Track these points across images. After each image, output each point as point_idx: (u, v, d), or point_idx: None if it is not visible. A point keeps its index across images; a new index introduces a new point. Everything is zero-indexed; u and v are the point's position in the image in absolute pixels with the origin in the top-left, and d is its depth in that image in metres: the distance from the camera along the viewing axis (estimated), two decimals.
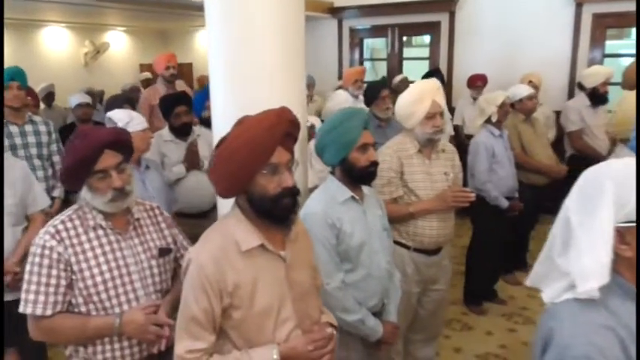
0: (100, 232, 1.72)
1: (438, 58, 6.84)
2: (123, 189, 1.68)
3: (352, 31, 7.50)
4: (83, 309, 1.68)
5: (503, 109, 3.81)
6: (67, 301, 1.66)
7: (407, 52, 7.52)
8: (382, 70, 7.82)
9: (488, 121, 3.84)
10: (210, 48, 2.20)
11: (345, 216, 2.05)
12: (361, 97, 5.55)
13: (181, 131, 3.28)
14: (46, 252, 1.63)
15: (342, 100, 5.08)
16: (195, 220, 3.11)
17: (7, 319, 2.42)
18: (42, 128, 3.48)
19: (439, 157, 2.66)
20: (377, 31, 7.44)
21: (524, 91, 4.23)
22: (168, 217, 1.94)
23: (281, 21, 2.07)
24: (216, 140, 2.20)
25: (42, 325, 1.65)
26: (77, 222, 1.70)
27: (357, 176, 2.10)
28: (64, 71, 8.01)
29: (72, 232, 1.68)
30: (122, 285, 1.70)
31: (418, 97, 2.51)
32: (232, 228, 1.47)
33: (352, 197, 2.09)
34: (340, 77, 7.69)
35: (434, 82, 2.58)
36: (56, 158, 3.56)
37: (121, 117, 2.70)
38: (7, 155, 2.58)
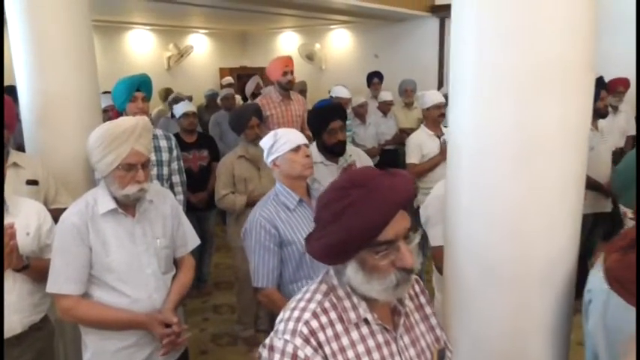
0: (365, 330, 1.14)
1: None
2: (412, 269, 1.11)
3: None
4: None
5: None
6: None
7: None
8: None
9: None
10: (457, 46, 1.59)
11: None
12: None
13: (335, 151, 2.70)
14: None
15: None
16: None
17: None
18: (163, 143, 3.01)
19: None
20: None
21: None
22: (426, 292, 1.35)
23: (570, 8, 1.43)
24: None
25: None
26: (333, 314, 1.13)
27: None
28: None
29: (329, 332, 1.11)
30: None
31: None
32: None
33: None
34: (441, 82, 7.03)
35: None
36: (176, 178, 3.09)
37: (265, 142, 2.16)
38: (155, 183, 2.07)
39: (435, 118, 3.90)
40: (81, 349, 1.98)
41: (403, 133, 6.14)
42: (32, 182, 2.59)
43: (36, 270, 1.99)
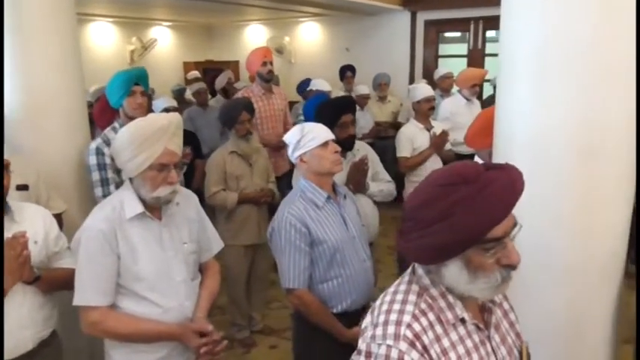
0: (462, 330, 1.10)
1: None
2: (516, 266, 1.07)
3: (427, 24, 6.86)
4: None
5: None
6: None
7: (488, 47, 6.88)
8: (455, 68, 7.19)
9: None
10: (511, 28, 1.56)
11: None
12: (475, 102, 5.00)
13: (345, 145, 2.63)
14: None
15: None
16: None
17: None
18: None
19: None
20: (456, 25, 6.82)
21: None
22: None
23: None
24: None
25: None
26: (431, 316, 1.08)
27: None
28: (109, 69, 7.28)
29: (431, 335, 1.05)
30: None
31: None
32: None
33: None
34: (412, 76, 7.08)
35: None
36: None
37: (290, 136, 2.07)
38: (180, 185, 1.94)
39: (426, 111, 3.92)
40: None
41: (379, 127, 6.17)
42: (22, 187, 2.38)
43: (46, 281, 1.83)
